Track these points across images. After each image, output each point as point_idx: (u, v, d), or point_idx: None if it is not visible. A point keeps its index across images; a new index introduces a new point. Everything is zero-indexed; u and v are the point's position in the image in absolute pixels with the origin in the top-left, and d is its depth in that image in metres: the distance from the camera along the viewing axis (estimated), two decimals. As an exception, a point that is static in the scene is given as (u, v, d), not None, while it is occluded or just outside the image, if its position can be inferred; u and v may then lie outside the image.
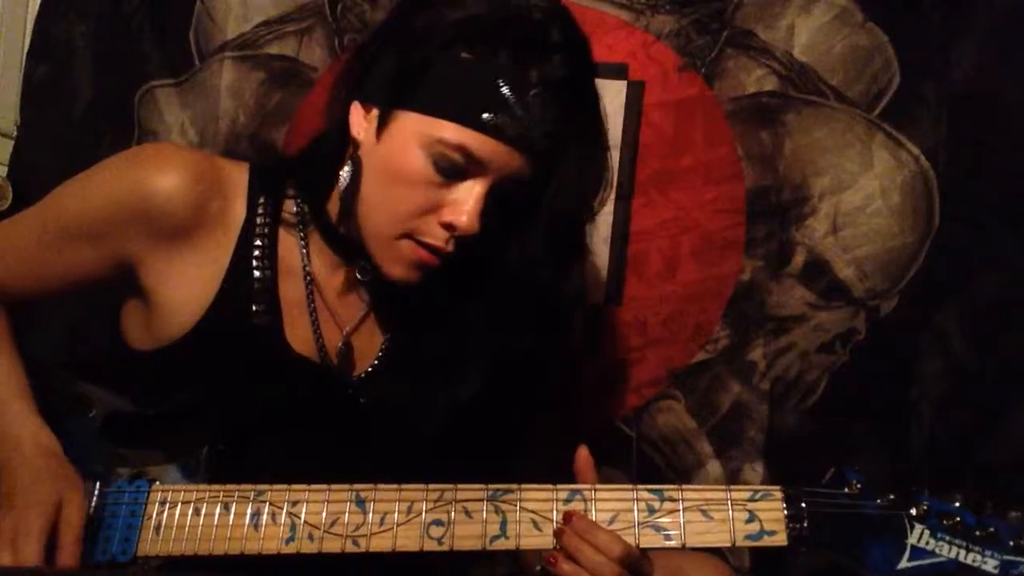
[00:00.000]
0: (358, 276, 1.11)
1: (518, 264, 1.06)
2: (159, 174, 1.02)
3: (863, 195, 1.46)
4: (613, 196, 1.51)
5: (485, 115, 0.97)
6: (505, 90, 0.97)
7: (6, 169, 1.68)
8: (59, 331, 1.53)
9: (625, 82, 1.51)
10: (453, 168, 0.99)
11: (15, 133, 1.70)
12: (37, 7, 1.70)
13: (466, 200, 0.99)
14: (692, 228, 1.51)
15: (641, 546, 0.93)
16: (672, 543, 0.92)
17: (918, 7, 1.44)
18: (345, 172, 1.04)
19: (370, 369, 1.14)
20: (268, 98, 1.61)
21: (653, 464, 1.50)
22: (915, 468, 1.41)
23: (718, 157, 1.50)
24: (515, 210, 1.04)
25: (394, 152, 1.01)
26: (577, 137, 1.03)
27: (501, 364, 1.09)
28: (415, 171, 0.99)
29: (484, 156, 0.98)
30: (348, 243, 1.09)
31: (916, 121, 1.45)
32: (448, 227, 1.01)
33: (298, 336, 1.10)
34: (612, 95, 1.51)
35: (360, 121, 1.05)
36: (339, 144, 1.07)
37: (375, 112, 1.03)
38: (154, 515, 0.98)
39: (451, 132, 0.98)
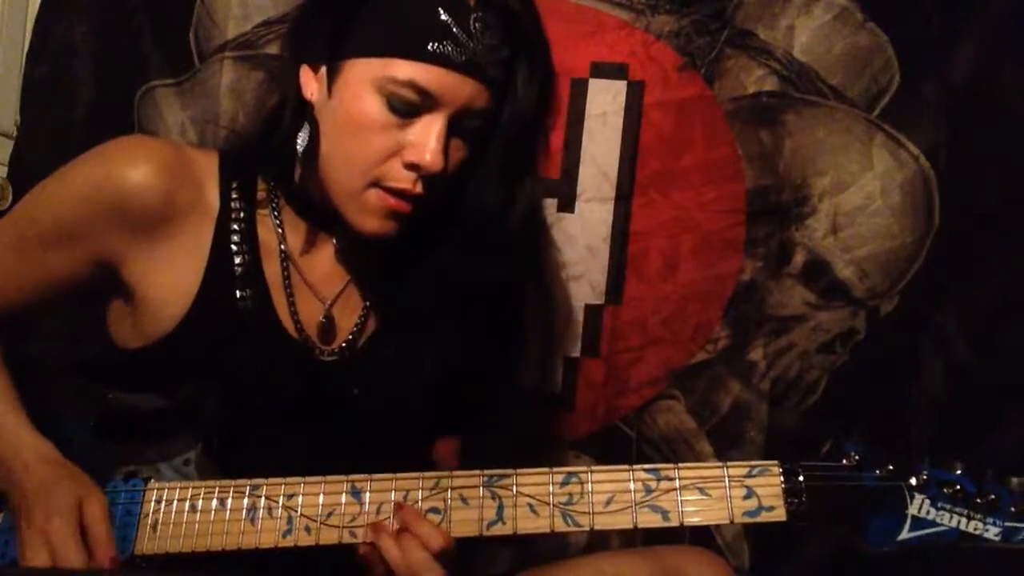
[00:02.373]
0: (335, 242, 1.11)
1: (473, 193, 1.07)
2: (128, 167, 1.02)
3: (863, 195, 1.46)
4: (613, 196, 1.51)
5: (430, 45, 0.96)
6: (446, 17, 0.97)
7: (6, 169, 1.68)
8: (54, 335, 1.52)
9: (625, 82, 1.51)
10: (408, 106, 0.99)
11: (15, 133, 1.70)
12: (37, 7, 1.70)
13: (426, 137, 0.99)
14: (692, 228, 1.51)
15: (639, 526, 0.92)
16: (670, 522, 0.91)
17: (918, 7, 1.44)
18: (301, 135, 1.04)
19: (345, 343, 1.13)
20: (268, 98, 1.59)
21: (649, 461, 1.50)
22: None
23: (718, 157, 1.50)
24: (476, 141, 1.04)
25: (348, 102, 1.01)
26: (524, 58, 1.04)
27: (475, 313, 1.09)
28: (371, 116, 0.99)
29: (436, 88, 0.98)
30: (318, 209, 1.09)
31: (916, 121, 1.45)
32: (413, 167, 1.00)
33: (285, 318, 1.10)
34: (612, 95, 1.51)
35: (310, 82, 1.05)
36: (295, 112, 1.07)
37: (323, 69, 1.03)
38: (150, 513, 0.98)
39: (400, 69, 0.97)
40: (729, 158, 1.50)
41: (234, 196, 1.09)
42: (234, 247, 1.08)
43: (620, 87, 1.51)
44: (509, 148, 1.06)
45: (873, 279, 1.46)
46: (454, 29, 0.97)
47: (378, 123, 1.00)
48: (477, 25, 0.98)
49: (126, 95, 1.64)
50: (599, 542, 1.46)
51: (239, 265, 1.07)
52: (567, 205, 1.52)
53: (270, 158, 1.11)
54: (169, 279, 1.06)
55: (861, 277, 1.47)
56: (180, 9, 1.63)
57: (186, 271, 1.06)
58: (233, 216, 1.08)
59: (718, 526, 1.46)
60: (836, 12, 1.47)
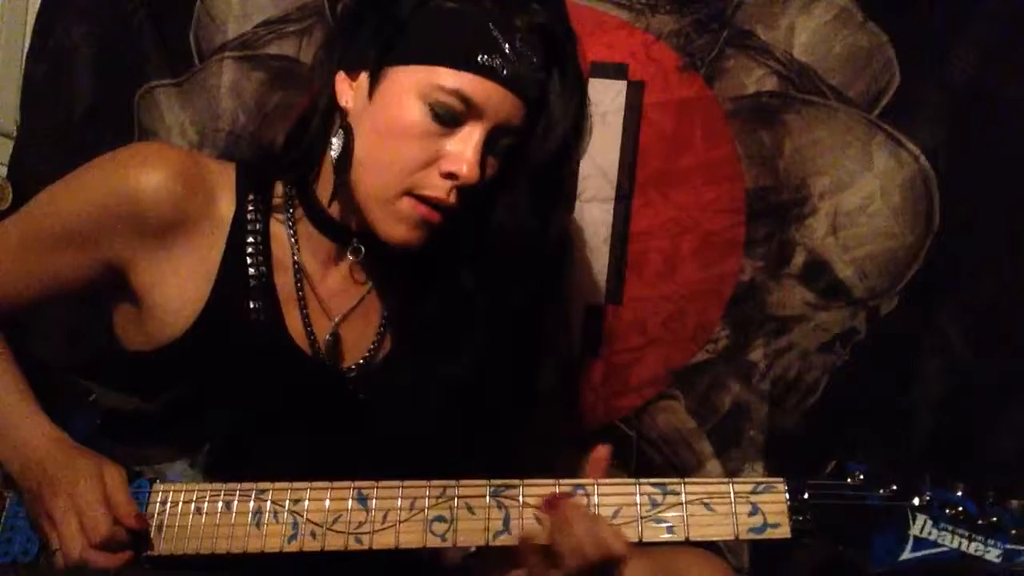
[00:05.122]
0: (350, 256, 1.11)
1: (505, 215, 1.08)
2: (143, 173, 1.03)
3: (863, 195, 1.46)
4: (613, 196, 1.51)
5: (480, 57, 0.99)
6: (496, 33, 1.00)
7: (6, 169, 1.68)
8: (59, 336, 1.53)
9: (625, 82, 1.51)
10: (451, 115, 1.01)
11: (15, 133, 1.70)
12: (37, 7, 1.70)
13: (465, 148, 1.01)
14: (692, 228, 1.51)
15: (644, 540, 0.92)
16: (675, 536, 0.91)
17: (918, 7, 1.44)
18: (336, 141, 1.05)
19: (362, 361, 1.14)
20: (268, 98, 1.61)
21: (653, 464, 1.50)
22: (917, 459, 1.41)
23: (718, 157, 1.50)
24: (507, 161, 1.06)
25: (390, 108, 1.02)
26: (560, 83, 1.06)
27: (495, 334, 1.10)
28: (413, 123, 1.01)
29: (481, 99, 1.00)
30: (337, 223, 1.10)
31: (916, 121, 1.45)
32: (450, 176, 1.02)
33: (295, 329, 1.10)
34: (612, 95, 1.51)
35: (346, 90, 1.06)
36: (326, 117, 1.08)
37: (363, 76, 1.05)
38: (155, 515, 0.99)
39: (448, 77, 1.00)
40: (729, 158, 1.50)
41: (250, 208, 1.09)
42: (248, 259, 1.08)
43: (620, 87, 1.51)
44: (541, 172, 1.07)
45: (873, 279, 1.46)
46: (502, 44, 1.00)
47: (419, 130, 1.01)
48: (520, 44, 1.01)
49: (126, 95, 1.64)
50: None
51: (252, 277, 1.08)
52: (567, 205, 1.52)
53: (293, 166, 1.11)
54: (178, 287, 1.06)
55: (861, 277, 1.47)
56: (180, 9, 1.63)
57: (196, 279, 1.06)
58: (248, 227, 1.09)
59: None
60: (836, 12, 1.47)
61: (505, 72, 1.00)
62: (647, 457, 1.51)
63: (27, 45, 1.70)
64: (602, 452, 0.97)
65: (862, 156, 1.46)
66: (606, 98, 1.51)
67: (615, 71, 1.51)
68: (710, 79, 1.50)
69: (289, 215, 1.11)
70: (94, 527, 0.94)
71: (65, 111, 1.66)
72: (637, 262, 1.51)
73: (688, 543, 0.94)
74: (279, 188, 1.12)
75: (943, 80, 1.43)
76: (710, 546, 1.42)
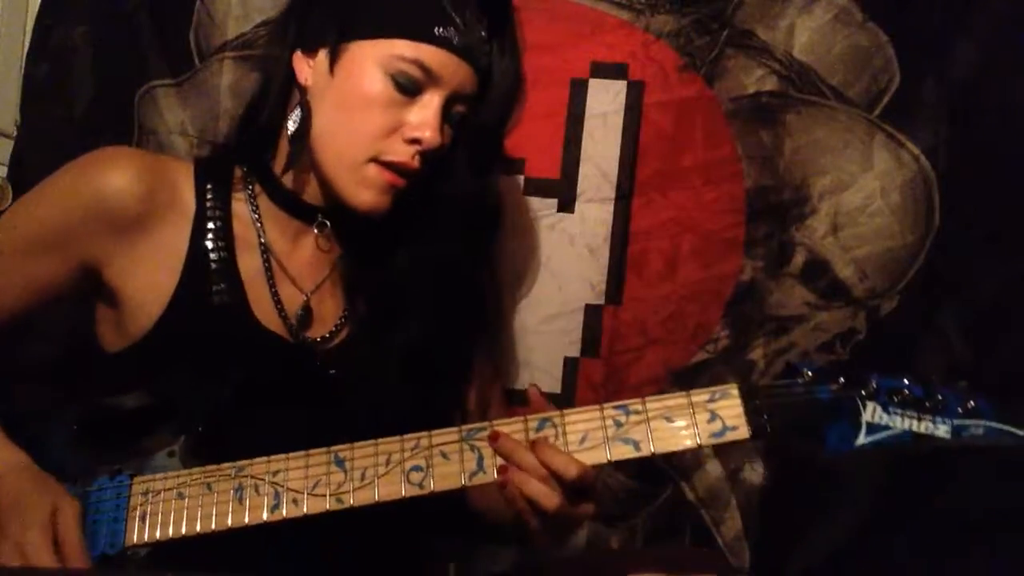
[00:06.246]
0: (315, 232, 1.16)
1: (448, 177, 1.14)
2: (106, 173, 1.07)
3: (863, 195, 1.46)
4: (613, 196, 1.51)
5: (436, 29, 1.07)
6: (448, 7, 1.08)
7: (6, 169, 1.68)
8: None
9: (625, 82, 1.51)
10: (411, 83, 1.07)
11: (15, 133, 1.70)
12: (37, 7, 1.70)
13: (426, 115, 1.08)
14: (692, 228, 1.51)
15: (612, 459, 0.94)
16: (641, 452, 0.94)
17: (918, 7, 1.44)
18: (294, 117, 1.10)
19: (328, 334, 1.16)
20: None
21: (653, 463, 1.50)
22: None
23: (718, 157, 1.50)
24: (459, 130, 1.13)
25: (352, 80, 1.08)
26: (501, 55, 1.15)
27: (448, 285, 1.17)
28: (375, 92, 1.07)
29: (438, 68, 1.07)
30: (298, 200, 1.14)
31: (916, 121, 1.45)
32: (414, 141, 1.08)
33: (263, 309, 1.12)
34: (612, 95, 1.51)
35: (305, 68, 1.11)
36: (284, 94, 1.13)
37: (322, 53, 1.10)
38: (139, 506, 0.99)
39: (407, 48, 1.07)
40: (729, 158, 1.50)
41: (209, 196, 1.13)
42: (209, 244, 1.11)
43: (620, 87, 1.51)
44: (481, 135, 1.15)
45: (873, 279, 1.46)
46: (454, 17, 1.08)
47: (382, 99, 1.07)
48: (469, 16, 1.09)
49: (126, 95, 1.64)
50: (599, 543, 1.46)
51: (214, 260, 1.11)
52: (567, 205, 1.52)
53: (250, 147, 1.16)
54: (148, 279, 1.09)
55: (861, 277, 1.47)
56: (180, 9, 1.63)
57: (164, 271, 1.09)
58: (209, 215, 1.12)
59: (718, 526, 1.46)
60: (836, 12, 1.47)
61: (458, 42, 1.08)
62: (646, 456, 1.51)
63: (27, 45, 1.70)
64: (534, 391, 1.02)
65: (862, 156, 1.46)
66: (606, 98, 1.51)
67: (615, 71, 1.51)
68: (710, 79, 1.50)
69: (250, 193, 1.15)
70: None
71: (65, 111, 1.66)
72: (637, 262, 1.52)
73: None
74: (237, 172, 1.17)
75: (943, 80, 1.43)
76: (710, 546, 1.43)
